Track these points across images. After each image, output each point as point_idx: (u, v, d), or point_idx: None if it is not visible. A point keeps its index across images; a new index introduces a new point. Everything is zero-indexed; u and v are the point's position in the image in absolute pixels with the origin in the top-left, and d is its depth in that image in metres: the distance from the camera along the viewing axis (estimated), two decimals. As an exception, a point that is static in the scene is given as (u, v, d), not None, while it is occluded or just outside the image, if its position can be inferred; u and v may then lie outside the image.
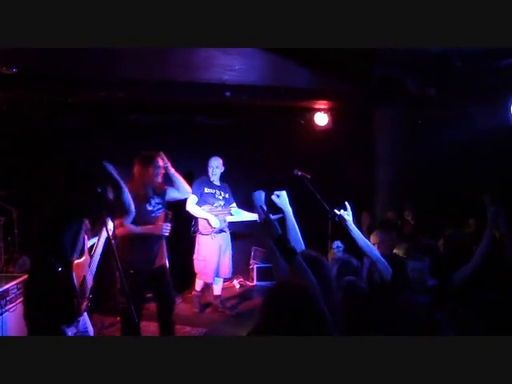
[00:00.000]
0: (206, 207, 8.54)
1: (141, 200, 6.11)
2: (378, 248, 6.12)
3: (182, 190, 6.71)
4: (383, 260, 4.60)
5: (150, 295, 8.80)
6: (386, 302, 4.33)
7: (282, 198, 4.66)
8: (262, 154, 9.92)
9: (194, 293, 8.78)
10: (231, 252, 8.82)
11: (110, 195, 4.72)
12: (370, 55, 6.07)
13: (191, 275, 8.79)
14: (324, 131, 9.84)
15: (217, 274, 8.58)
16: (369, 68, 6.76)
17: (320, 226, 8.17)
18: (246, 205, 7.94)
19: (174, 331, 6.70)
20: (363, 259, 5.31)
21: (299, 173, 7.99)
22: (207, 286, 8.85)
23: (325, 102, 9.22)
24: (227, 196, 8.58)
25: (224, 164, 8.66)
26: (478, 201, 7.56)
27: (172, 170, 6.57)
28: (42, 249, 4.36)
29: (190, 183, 8.36)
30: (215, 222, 8.41)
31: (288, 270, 3.41)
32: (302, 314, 2.62)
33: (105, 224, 4.61)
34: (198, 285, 8.68)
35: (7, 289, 6.09)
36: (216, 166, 8.64)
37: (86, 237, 4.71)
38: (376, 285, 4.68)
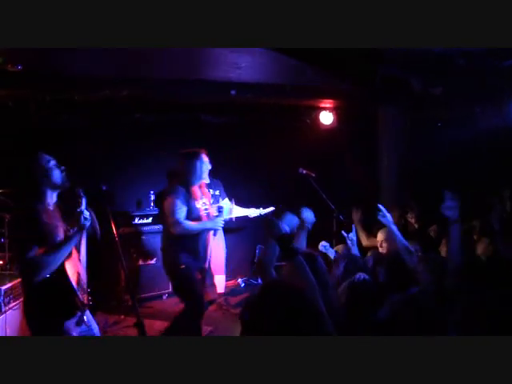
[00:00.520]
0: None
1: (190, 198, 6.07)
2: (383, 245, 6.15)
3: None
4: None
5: (156, 293, 8.89)
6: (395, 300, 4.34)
7: (387, 218, 5.14)
8: (267, 153, 9.93)
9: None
10: (225, 249, 8.85)
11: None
12: (374, 55, 6.08)
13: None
14: (329, 130, 9.84)
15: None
16: (373, 67, 6.76)
17: (324, 224, 8.17)
18: (247, 202, 7.93)
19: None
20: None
21: (304, 171, 8.01)
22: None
23: (330, 100, 9.21)
24: (217, 193, 8.56)
25: (228, 162, 8.68)
26: (480, 201, 7.63)
27: None
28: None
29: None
30: None
31: (288, 269, 3.42)
32: (292, 313, 2.61)
33: (108, 221, 4.60)
34: None
35: (11, 287, 6.09)
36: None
37: (66, 232, 4.61)
38: (380, 284, 4.69)
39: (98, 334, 4.77)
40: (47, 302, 4.17)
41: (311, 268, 3.59)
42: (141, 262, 8.73)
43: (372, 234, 7.08)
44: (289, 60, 6.20)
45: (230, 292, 9.58)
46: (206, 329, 7.53)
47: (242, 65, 6.97)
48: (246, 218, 6.91)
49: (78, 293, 4.32)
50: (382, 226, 6.85)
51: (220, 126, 9.88)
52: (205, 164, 6.20)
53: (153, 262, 8.85)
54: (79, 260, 4.55)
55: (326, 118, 9.66)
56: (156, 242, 8.93)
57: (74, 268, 4.40)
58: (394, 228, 5.22)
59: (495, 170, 8.35)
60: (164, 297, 8.98)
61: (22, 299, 6.14)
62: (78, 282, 4.42)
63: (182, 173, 6.17)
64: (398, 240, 5.05)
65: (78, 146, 8.26)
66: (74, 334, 4.30)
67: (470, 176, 8.50)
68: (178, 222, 5.87)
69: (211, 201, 6.83)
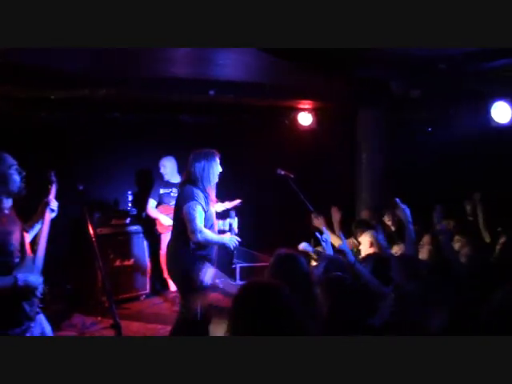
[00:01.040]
0: (163, 207, 8.69)
1: (207, 202, 5.81)
2: (372, 247, 6.18)
3: None
4: None
5: (133, 294, 8.84)
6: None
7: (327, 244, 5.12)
8: (245, 153, 9.92)
9: (172, 294, 8.75)
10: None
11: None
12: (355, 56, 6.08)
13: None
14: (308, 131, 9.84)
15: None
16: (354, 68, 6.78)
17: (302, 224, 8.17)
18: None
19: None
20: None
21: (282, 172, 8.01)
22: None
23: (309, 101, 9.21)
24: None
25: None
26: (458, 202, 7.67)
27: None
28: None
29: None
30: (166, 221, 8.48)
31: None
32: (272, 312, 2.61)
33: (86, 223, 4.54)
34: (172, 284, 8.64)
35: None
36: (165, 166, 8.81)
37: (23, 236, 4.43)
38: (363, 284, 4.71)
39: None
40: None
41: (293, 270, 3.60)
42: (118, 263, 8.65)
43: (350, 235, 7.10)
44: (269, 57, 6.17)
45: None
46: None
47: (220, 62, 6.94)
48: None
49: (25, 304, 4.16)
50: (360, 227, 6.88)
51: (198, 126, 9.85)
52: (218, 166, 5.92)
53: (130, 263, 8.78)
54: (33, 262, 4.26)
55: (305, 118, 9.66)
56: (134, 243, 8.91)
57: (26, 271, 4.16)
58: (411, 227, 5.25)
59: (472, 173, 8.40)
60: (141, 298, 8.93)
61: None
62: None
63: (194, 174, 5.81)
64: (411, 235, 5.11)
65: (54, 144, 8.20)
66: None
67: (449, 178, 8.55)
68: (200, 231, 5.54)
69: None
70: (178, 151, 8.76)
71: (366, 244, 6.32)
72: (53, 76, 7.00)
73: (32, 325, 4.18)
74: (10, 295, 3.95)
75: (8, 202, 4.16)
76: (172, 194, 8.52)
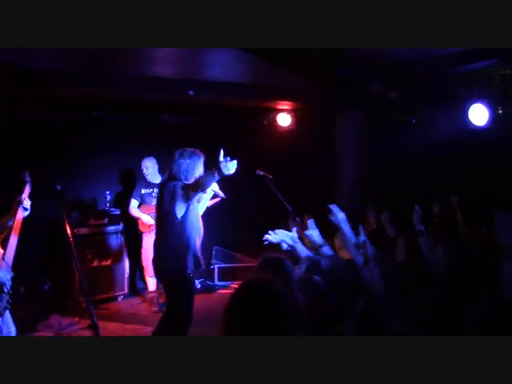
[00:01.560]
0: (145, 207, 8.68)
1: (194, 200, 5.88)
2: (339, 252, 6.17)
3: None
4: None
5: (111, 294, 8.81)
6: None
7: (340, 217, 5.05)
8: (224, 153, 9.90)
9: (150, 294, 8.73)
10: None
11: None
12: (335, 56, 6.10)
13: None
14: (287, 132, 9.85)
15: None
16: (333, 69, 6.80)
17: (281, 225, 8.18)
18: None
19: None
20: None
21: (261, 173, 8.00)
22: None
23: (288, 102, 9.23)
24: None
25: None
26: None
27: None
28: None
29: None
30: (147, 220, 8.50)
31: None
32: (268, 310, 2.61)
33: (64, 222, 4.52)
34: (151, 284, 8.64)
35: None
36: (147, 167, 8.77)
37: None
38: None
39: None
40: None
41: (280, 274, 3.60)
42: (96, 263, 8.62)
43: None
44: (249, 58, 6.18)
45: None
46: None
47: (201, 62, 6.95)
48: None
49: None
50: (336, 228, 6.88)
51: (178, 126, 9.84)
52: (202, 165, 6.02)
53: (108, 263, 8.75)
54: (3, 259, 4.33)
55: (284, 119, 9.68)
56: (112, 243, 8.88)
57: None
58: (346, 227, 5.21)
59: (450, 174, 8.45)
60: (119, 298, 8.90)
61: None
62: None
63: (178, 171, 5.89)
64: (348, 238, 5.05)
65: (32, 143, 8.16)
66: None
67: (427, 179, 8.60)
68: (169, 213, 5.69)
69: None
70: (159, 151, 8.76)
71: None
72: (33, 75, 6.95)
73: (0, 321, 4.16)
74: None
75: None
76: (154, 194, 8.49)
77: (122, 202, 9.09)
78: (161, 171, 8.62)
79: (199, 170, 5.95)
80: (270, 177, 7.97)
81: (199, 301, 7.33)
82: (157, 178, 8.60)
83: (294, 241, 5.49)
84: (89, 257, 8.50)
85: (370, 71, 7.20)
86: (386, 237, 7.05)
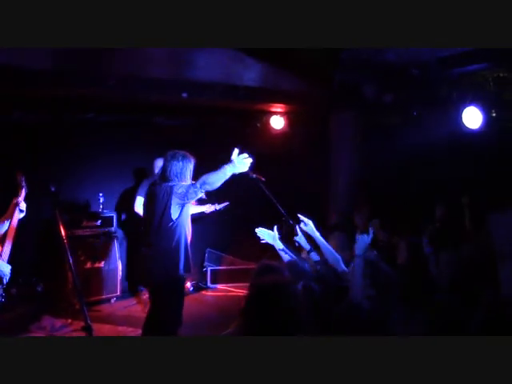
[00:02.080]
0: None
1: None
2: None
3: None
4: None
5: (104, 296, 8.79)
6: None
7: (309, 227, 5.14)
8: (218, 156, 9.91)
9: (145, 296, 8.71)
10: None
11: None
12: (332, 58, 6.12)
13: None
14: (280, 134, 9.86)
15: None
16: (330, 72, 6.81)
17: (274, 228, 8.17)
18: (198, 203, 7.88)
19: None
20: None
21: (254, 175, 7.97)
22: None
23: (281, 105, 9.23)
24: None
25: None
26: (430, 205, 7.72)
27: None
28: None
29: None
30: None
31: None
32: (281, 311, 2.64)
33: (57, 224, 4.52)
34: None
35: None
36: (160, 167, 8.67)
37: None
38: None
39: None
40: None
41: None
42: (89, 265, 8.60)
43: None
44: (245, 59, 6.18)
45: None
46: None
47: (195, 63, 6.95)
48: (202, 214, 6.81)
49: None
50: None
51: (172, 128, 9.83)
52: (192, 168, 6.03)
53: (101, 265, 8.74)
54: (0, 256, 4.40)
55: (277, 122, 9.69)
56: (105, 245, 8.86)
57: None
58: (318, 235, 5.27)
59: (444, 177, 8.47)
60: (112, 300, 8.88)
61: None
62: None
63: (170, 173, 5.89)
64: (323, 247, 5.11)
65: (26, 143, 8.15)
66: None
67: (421, 181, 8.62)
68: (200, 184, 5.67)
69: None
70: (152, 153, 8.75)
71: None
72: (24, 75, 6.92)
73: None
74: None
75: None
76: None
77: (123, 202, 9.09)
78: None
79: (190, 173, 5.98)
80: (263, 179, 7.95)
81: (190, 302, 7.36)
82: None
83: (274, 239, 5.55)
84: (82, 258, 8.47)
85: (364, 74, 7.21)
86: (379, 241, 7.08)
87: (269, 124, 9.79)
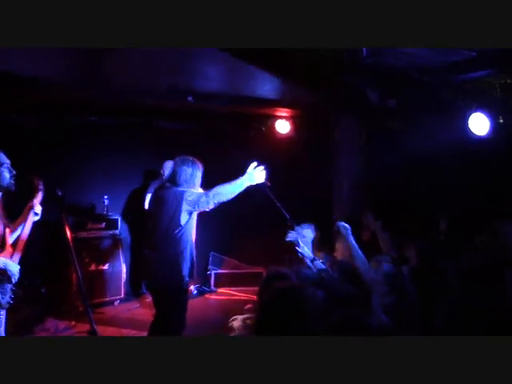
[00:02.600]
0: None
1: None
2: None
3: None
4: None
5: (108, 299, 8.80)
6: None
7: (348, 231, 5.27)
8: (222, 160, 9.93)
9: (148, 299, 8.73)
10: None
11: None
12: (335, 64, 6.12)
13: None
14: (285, 138, 9.86)
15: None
16: (336, 78, 6.80)
17: (279, 232, 8.17)
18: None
19: None
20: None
21: (259, 180, 7.98)
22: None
23: (287, 109, 9.25)
24: None
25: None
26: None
27: None
28: None
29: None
30: None
31: None
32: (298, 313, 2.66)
33: (63, 227, 4.55)
34: None
35: None
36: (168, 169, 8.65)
37: (7, 229, 4.52)
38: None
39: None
40: None
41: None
42: (93, 267, 8.61)
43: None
44: (248, 68, 6.19)
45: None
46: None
47: (200, 72, 6.96)
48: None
49: None
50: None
51: (176, 132, 9.84)
52: (200, 175, 6.06)
53: (105, 267, 8.75)
54: (11, 258, 4.41)
55: (282, 126, 9.69)
56: (109, 248, 8.88)
57: None
58: (353, 242, 5.32)
59: (448, 183, 8.46)
60: (116, 303, 8.89)
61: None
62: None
63: (179, 178, 5.90)
64: (356, 254, 5.15)
65: (30, 147, 8.14)
66: None
67: (426, 187, 8.61)
68: (213, 195, 5.71)
69: None
70: (156, 157, 8.77)
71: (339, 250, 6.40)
72: (29, 79, 6.93)
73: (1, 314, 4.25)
74: None
75: None
76: None
77: (128, 204, 9.11)
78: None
79: (199, 180, 6.01)
80: (268, 184, 7.94)
81: (194, 306, 7.36)
82: None
83: (298, 240, 5.60)
84: (86, 261, 8.48)
85: (368, 78, 7.21)
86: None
87: (274, 128, 9.80)
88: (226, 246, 10.48)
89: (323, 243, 7.07)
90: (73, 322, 7.68)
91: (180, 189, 5.77)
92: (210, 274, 10.25)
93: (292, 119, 9.69)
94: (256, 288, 4.72)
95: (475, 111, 7.12)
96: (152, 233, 5.96)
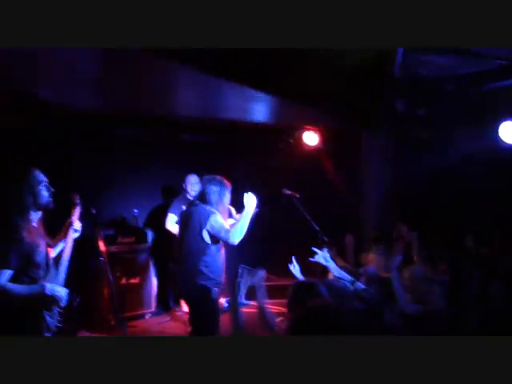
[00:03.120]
0: None
1: None
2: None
3: None
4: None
5: (139, 312, 8.83)
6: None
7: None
8: (251, 173, 9.95)
9: (179, 312, 8.78)
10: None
11: None
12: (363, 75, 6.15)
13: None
14: (313, 150, 9.87)
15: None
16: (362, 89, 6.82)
17: (308, 244, 8.17)
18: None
19: None
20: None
21: (288, 192, 8.00)
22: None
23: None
24: None
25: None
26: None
27: None
28: None
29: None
30: None
31: None
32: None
33: (97, 241, 4.60)
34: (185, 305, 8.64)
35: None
36: (192, 183, 8.70)
37: (48, 250, 4.52)
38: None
39: None
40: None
41: (315, 295, 3.65)
42: (124, 281, 8.66)
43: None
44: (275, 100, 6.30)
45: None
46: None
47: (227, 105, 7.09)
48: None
49: (47, 314, 4.27)
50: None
51: (202, 146, 9.89)
52: (228, 195, 6.25)
53: (136, 280, 8.79)
54: (56, 277, 4.50)
55: (310, 138, 9.70)
56: (140, 261, 8.92)
57: None
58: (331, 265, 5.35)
59: (478, 193, 8.40)
60: (147, 316, 8.92)
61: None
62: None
63: (209, 196, 6.11)
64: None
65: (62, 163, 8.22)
66: None
67: (458, 195, 8.56)
68: (234, 233, 5.90)
69: None
70: (186, 170, 8.80)
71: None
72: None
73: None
74: (35, 304, 4.06)
75: (36, 215, 4.36)
76: None
77: (156, 218, 9.13)
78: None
79: (227, 199, 6.23)
80: (297, 196, 7.97)
81: (224, 319, 7.35)
82: None
83: (327, 260, 5.56)
84: (117, 275, 8.52)
85: (397, 89, 7.21)
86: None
87: (302, 140, 9.81)
88: (255, 258, 10.48)
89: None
90: (104, 335, 7.72)
91: (208, 208, 5.99)
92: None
93: (320, 131, 9.69)
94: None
95: (505, 120, 7.10)
96: (179, 247, 6.18)
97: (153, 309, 9.01)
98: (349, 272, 5.70)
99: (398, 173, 8.90)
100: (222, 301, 9.90)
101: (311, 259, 5.66)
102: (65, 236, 4.64)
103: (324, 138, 9.73)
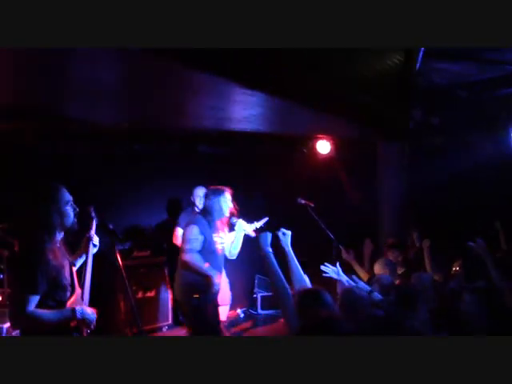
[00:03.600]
0: None
1: (209, 230, 6.47)
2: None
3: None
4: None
5: (156, 325, 8.82)
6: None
7: (286, 237, 4.91)
8: (264, 183, 9.95)
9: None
10: (227, 279, 8.73)
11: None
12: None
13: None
14: (327, 159, 9.87)
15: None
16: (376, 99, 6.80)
17: (324, 254, 8.14)
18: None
19: None
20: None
21: (303, 201, 7.99)
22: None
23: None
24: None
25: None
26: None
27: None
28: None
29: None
30: None
31: None
32: None
33: (116, 259, 4.59)
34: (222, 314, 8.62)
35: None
36: (200, 196, 8.61)
37: (72, 269, 4.34)
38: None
39: None
40: None
41: (321, 303, 3.63)
42: (140, 295, 8.66)
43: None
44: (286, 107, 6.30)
45: (230, 323, 9.48)
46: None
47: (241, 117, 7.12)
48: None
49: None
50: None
51: (216, 157, 9.89)
52: (227, 202, 6.53)
53: (152, 294, 8.79)
54: (82, 298, 4.31)
55: (323, 147, 9.70)
56: (155, 275, 8.91)
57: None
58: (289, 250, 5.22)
59: (494, 199, 8.36)
60: (164, 329, 8.91)
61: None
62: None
63: (206, 207, 6.59)
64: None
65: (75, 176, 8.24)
66: None
67: (472, 202, 8.52)
68: (188, 251, 6.26)
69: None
70: (195, 181, 8.78)
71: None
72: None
73: None
74: (65, 328, 3.97)
75: (60, 236, 4.16)
76: None
77: (167, 231, 9.10)
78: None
79: (227, 206, 6.56)
80: (312, 205, 7.96)
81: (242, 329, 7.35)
82: None
83: (339, 274, 5.56)
84: (133, 288, 8.52)
85: (411, 97, 7.20)
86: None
87: (315, 149, 9.81)
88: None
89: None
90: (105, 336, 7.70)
91: (204, 218, 6.51)
92: (257, 297, 10.24)
93: (333, 140, 9.69)
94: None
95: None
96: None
97: (169, 321, 9.00)
98: (366, 282, 5.70)
99: (414, 180, 8.87)
100: (238, 311, 9.92)
101: (324, 275, 5.63)
102: (84, 251, 4.54)
103: (338, 147, 9.72)
